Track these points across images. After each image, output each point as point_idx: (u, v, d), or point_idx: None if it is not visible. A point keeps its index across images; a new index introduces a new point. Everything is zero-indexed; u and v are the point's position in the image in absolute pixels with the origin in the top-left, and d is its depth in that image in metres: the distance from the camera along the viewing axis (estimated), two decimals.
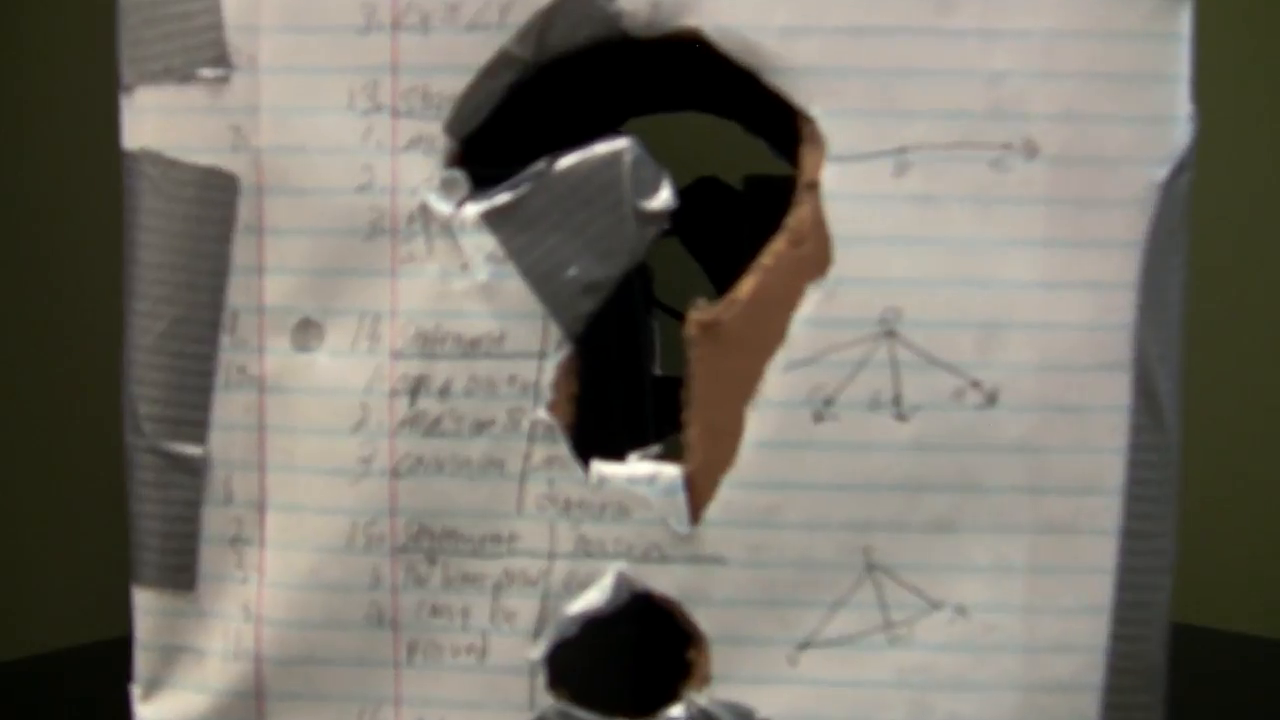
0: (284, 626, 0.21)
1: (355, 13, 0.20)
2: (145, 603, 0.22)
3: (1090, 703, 0.21)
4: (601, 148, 0.21)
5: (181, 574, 0.21)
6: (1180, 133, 0.20)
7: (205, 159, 0.21)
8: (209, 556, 0.21)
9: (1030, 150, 0.20)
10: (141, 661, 0.22)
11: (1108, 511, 0.20)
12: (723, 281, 0.24)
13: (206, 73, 0.20)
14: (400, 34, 0.20)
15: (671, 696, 0.21)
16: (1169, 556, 0.21)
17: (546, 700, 0.21)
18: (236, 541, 0.21)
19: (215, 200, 0.21)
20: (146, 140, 0.21)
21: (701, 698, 0.21)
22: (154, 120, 0.21)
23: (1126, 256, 0.20)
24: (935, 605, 0.21)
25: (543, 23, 0.20)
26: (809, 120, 0.20)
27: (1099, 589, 0.20)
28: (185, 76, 0.21)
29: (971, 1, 0.20)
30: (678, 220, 0.24)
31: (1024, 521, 0.20)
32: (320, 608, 0.21)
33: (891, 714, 0.21)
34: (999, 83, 0.20)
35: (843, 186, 0.20)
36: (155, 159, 0.21)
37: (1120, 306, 0.20)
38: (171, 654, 0.22)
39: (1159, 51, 0.20)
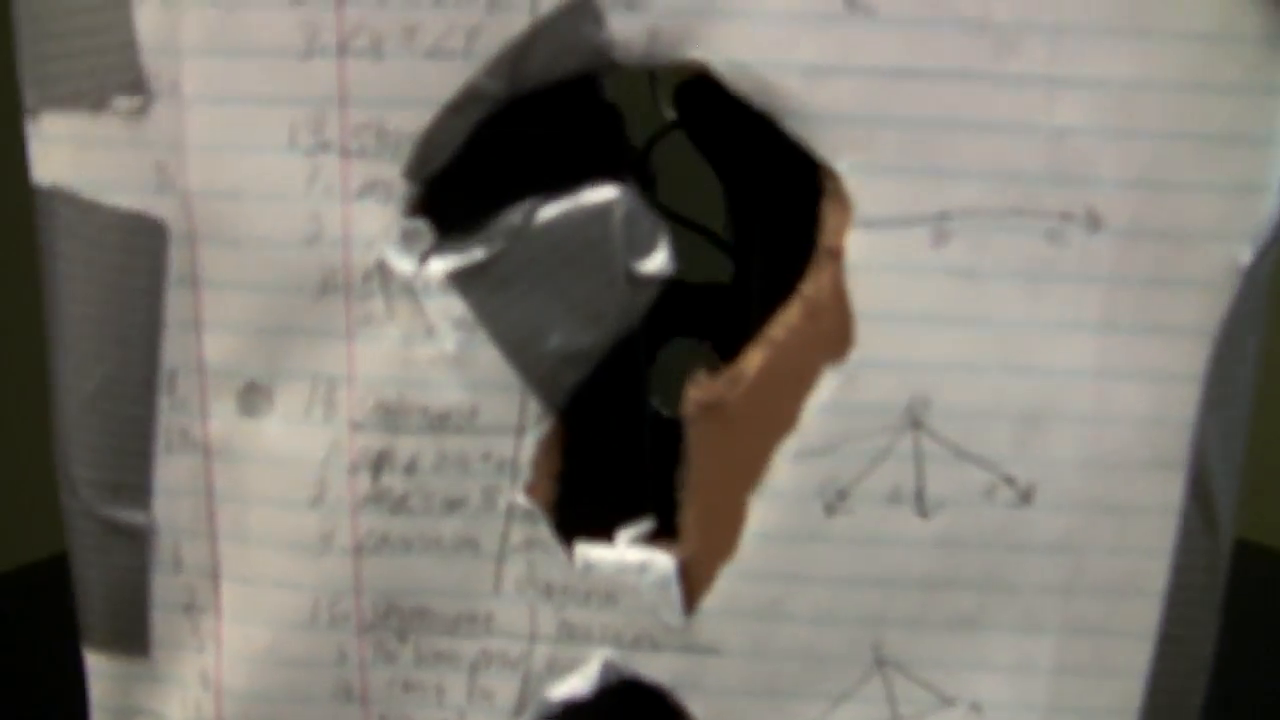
0: (245, 699, 0.20)
1: (294, 33, 0.17)
2: (97, 666, 0.20)
3: None
4: (589, 198, 0.17)
5: (133, 640, 0.20)
6: (1270, 205, 0.17)
7: (126, 201, 0.18)
8: (161, 623, 0.19)
9: (1093, 221, 0.17)
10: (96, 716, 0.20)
11: (1146, 615, 0.18)
12: (728, 179, 0.21)
13: (122, 101, 0.17)
14: (349, 60, 0.17)
15: None
16: (1206, 660, 0.19)
17: None
18: (190, 610, 0.19)
19: (141, 248, 0.18)
20: (58, 175, 0.18)
21: None
22: (66, 153, 0.18)
23: (1195, 345, 0.17)
24: (949, 702, 0.19)
25: (516, 54, 0.17)
26: (834, 175, 0.17)
27: (1128, 692, 0.19)
28: (97, 103, 0.17)
29: (1036, 43, 0.16)
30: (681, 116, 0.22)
31: (1053, 622, 0.18)
32: (283, 682, 0.19)
33: None
34: (1062, 140, 0.16)
35: (871, 255, 0.17)
36: (70, 199, 0.18)
37: (1182, 400, 0.17)
38: (128, 717, 0.20)
39: (1254, 108, 0.16)
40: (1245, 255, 0.17)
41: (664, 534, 0.19)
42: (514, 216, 0.17)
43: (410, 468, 0.18)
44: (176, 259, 0.18)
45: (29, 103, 0.18)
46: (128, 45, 0.17)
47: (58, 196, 0.18)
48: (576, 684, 0.19)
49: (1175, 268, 0.17)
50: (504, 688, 0.19)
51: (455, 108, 0.17)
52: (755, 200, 0.20)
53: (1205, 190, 0.17)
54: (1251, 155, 0.16)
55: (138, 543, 0.19)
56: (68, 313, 0.18)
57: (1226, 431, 0.17)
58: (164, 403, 0.18)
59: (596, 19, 0.16)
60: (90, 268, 0.18)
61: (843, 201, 0.17)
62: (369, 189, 0.17)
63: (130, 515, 0.19)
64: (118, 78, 0.17)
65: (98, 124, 0.17)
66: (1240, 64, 0.16)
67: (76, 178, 0.18)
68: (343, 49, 0.17)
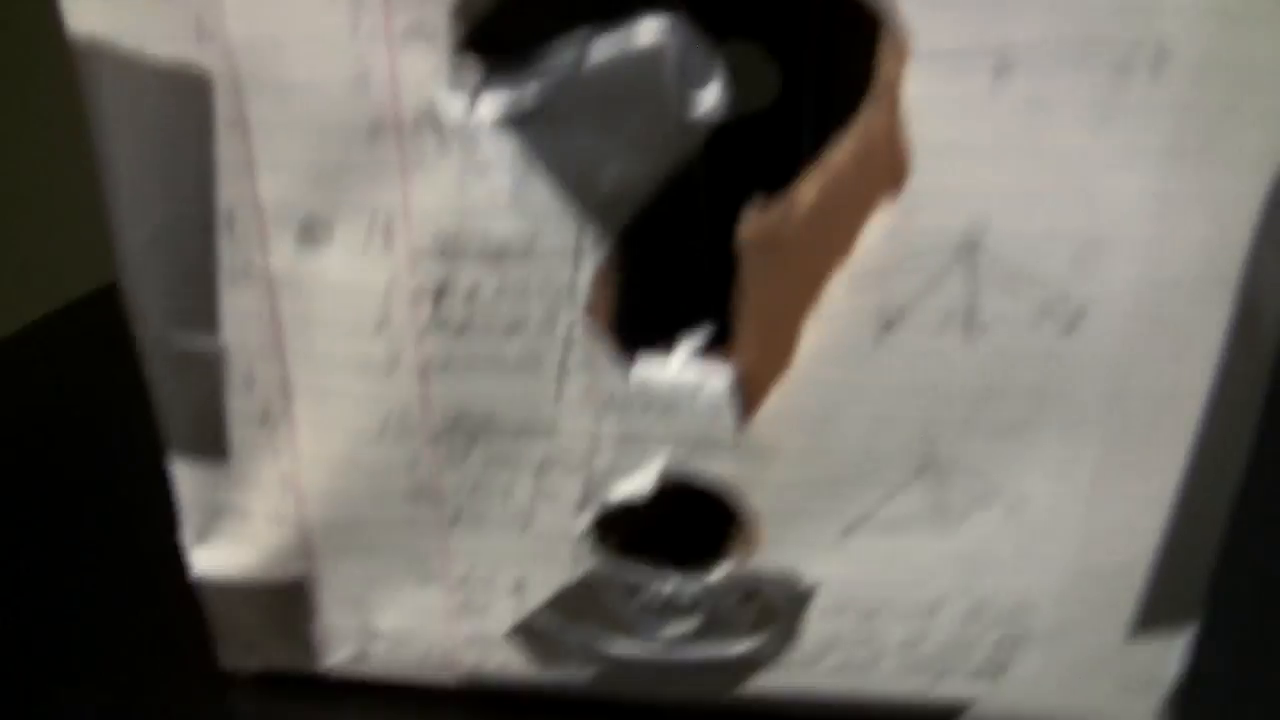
0: (324, 499, 0.21)
1: None
2: (181, 469, 0.21)
3: (1137, 582, 0.20)
4: (640, 36, 0.17)
5: (214, 447, 0.21)
6: None
7: (167, 50, 0.17)
8: (239, 434, 0.20)
9: (1162, 53, 0.16)
10: (186, 517, 0.22)
11: (1187, 420, 0.19)
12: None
13: None
14: None
15: (718, 556, 0.21)
16: (1240, 463, 0.19)
17: (592, 560, 0.21)
18: (266, 421, 0.20)
19: (187, 98, 0.17)
20: (94, 25, 0.17)
21: (751, 561, 0.21)
22: (101, 2, 0.17)
23: (1258, 174, 0.17)
24: (996, 493, 0.20)
25: None
26: (893, 5, 0.16)
27: (1166, 483, 0.19)
28: None
29: None
30: None
31: (1099, 425, 0.19)
32: (359, 485, 0.20)
33: (937, 584, 0.21)
34: None
35: (929, 90, 0.17)
36: (109, 50, 0.17)
37: (1240, 223, 0.17)
38: (215, 512, 0.21)
39: None
40: None
41: (721, 341, 0.19)
42: (565, 55, 0.17)
43: (471, 295, 0.19)
44: (223, 106, 0.18)
45: None
46: None
47: (96, 48, 0.17)
48: (637, 483, 0.20)
49: (1242, 100, 0.16)
50: (568, 487, 0.20)
51: None
52: (806, 26, 0.19)
53: (1276, 23, 0.16)
54: None
55: (211, 364, 0.20)
56: (118, 161, 0.18)
57: (1278, 256, 0.18)
58: (224, 239, 0.19)
59: None
60: (136, 119, 0.18)
61: (899, 35, 0.16)
62: (415, 31, 0.17)
63: (202, 341, 0.20)
64: None
65: None
66: None
67: (114, 29, 0.17)
68: None
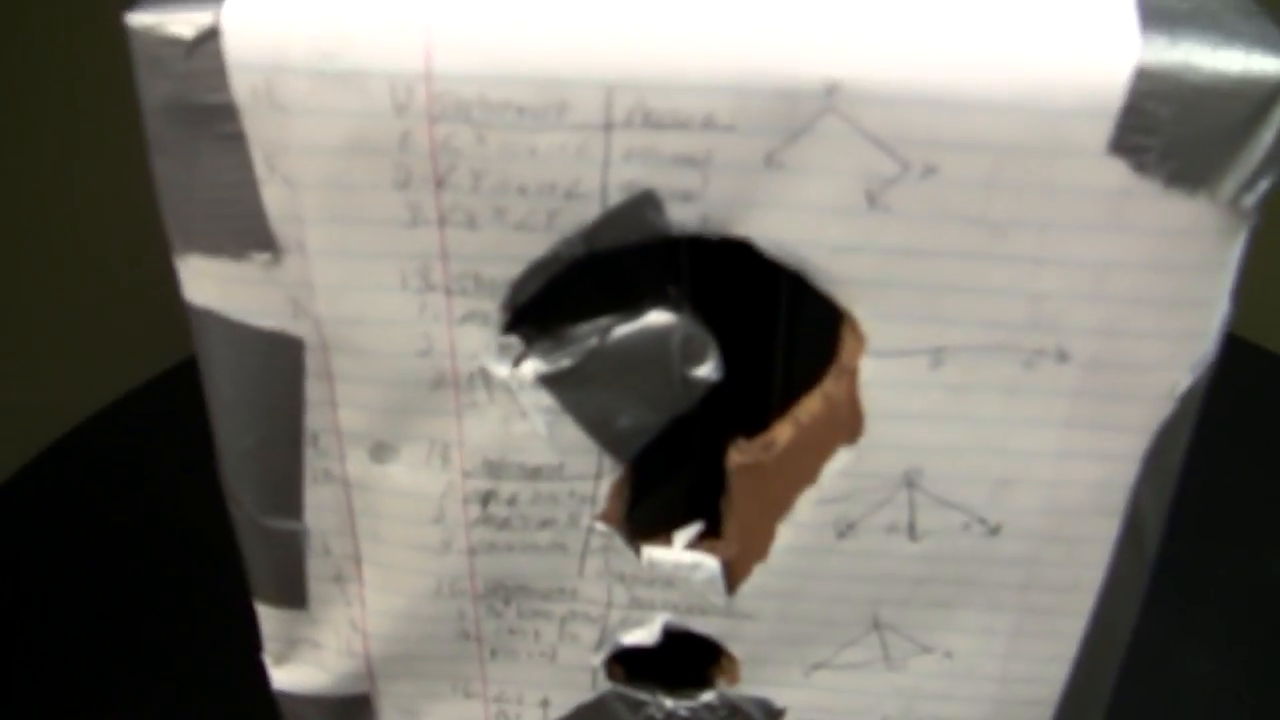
0: (386, 640, 0.25)
1: (400, 209, 0.20)
2: (265, 612, 0.26)
3: (1047, 712, 0.25)
4: (654, 320, 0.21)
5: (294, 598, 0.25)
6: (1208, 346, 0.20)
7: (269, 323, 0.21)
8: (316, 588, 0.25)
9: (1062, 356, 0.20)
10: (268, 645, 0.26)
11: (1083, 603, 0.24)
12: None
13: (257, 255, 0.21)
14: (447, 229, 0.20)
15: (704, 683, 0.26)
16: (1126, 632, 0.24)
17: (605, 684, 0.26)
18: (339, 581, 0.25)
19: (283, 355, 0.22)
20: (208, 301, 0.21)
21: (731, 691, 0.26)
22: (212, 285, 0.21)
23: (1140, 438, 0.21)
24: (928, 650, 0.24)
25: (590, 231, 0.20)
26: (852, 318, 0.20)
27: (1068, 646, 0.24)
28: (237, 255, 0.21)
29: (1026, 231, 0.19)
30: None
31: (1011, 605, 0.24)
32: (415, 629, 0.25)
33: (882, 709, 0.26)
34: (1042, 300, 0.20)
35: (879, 375, 0.21)
36: (219, 319, 0.21)
37: (1125, 473, 0.22)
38: (293, 644, 0.26)
39: (1207, 280, 0.20)
40: (1184, 383, 0.21)
41: (710, 534, 0.24)
42: (592, 333, 0.21)
43: (511, 501, 0.23)
44: (312, 361, 0.22)
45: (175, 246, 0.21)
46: (258, 214, 0.20)
47: (209, 316, 0.22)
48: (643, 635, 0.25)
49: (1127, 390, 0.21)
50: (586, 634, 0.25)
51: (539, 264, 0.20)
52: (779, 320, 0.23)
53: (1157, 338, 0.20)
54: (1198, 313, 0.20)
55: (293, 539, 0.24)
56: (223, 394, 0.23)
57: (1159, 488, 0.22)
58: (310, 453, 0.23)
59: (657, 208, 0.20)
60: (240, 368, 0.22)
61: (858, 335, 0.21)
62: (469, 317, 0.21)
63: (287, 524, 0.24)
64: (252, 238, 0.20)
65: (238, 268, 0.21)
66: (1200, 246, 0.19)
67: (224, 304, 0.21)
68: (443, 221, 0.20)
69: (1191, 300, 0.20)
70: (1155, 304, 0.20)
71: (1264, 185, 0.19)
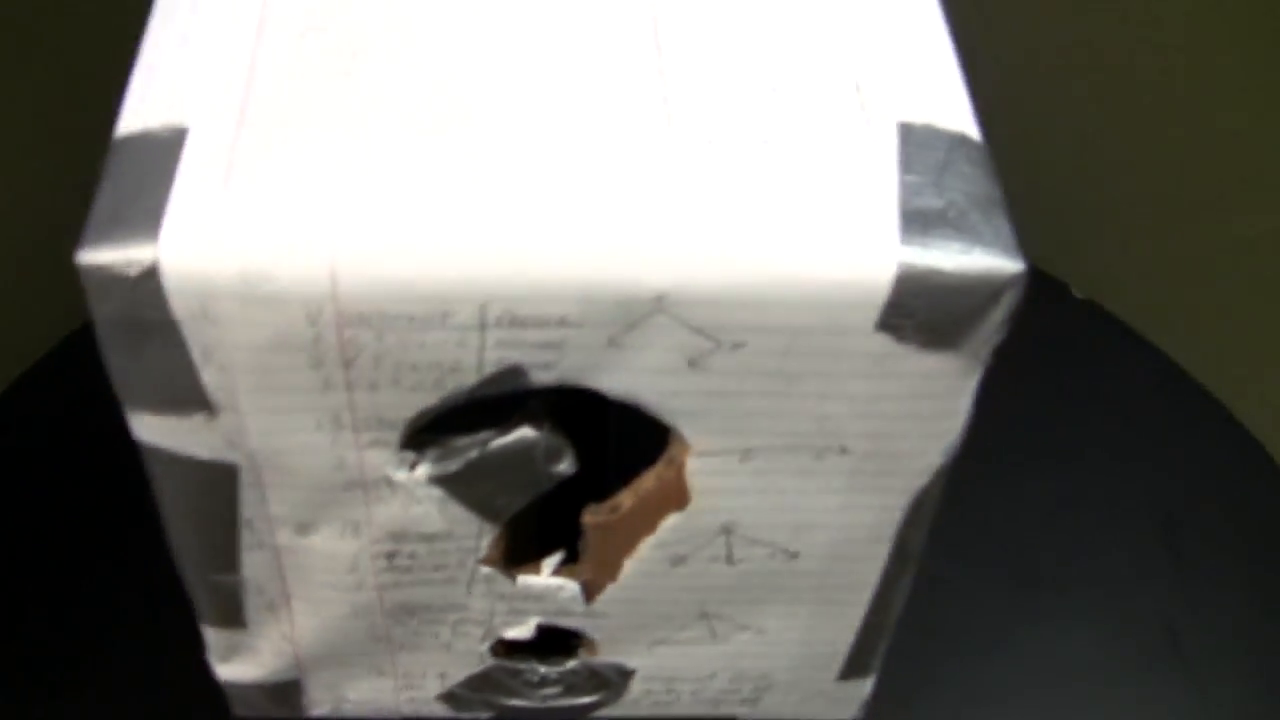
0: (312, 644, 0.31)
1: (315, 381, 0.25)
2: (209, 630, 0.31)
3: (839, 660, 0.33)
4: (523, 434, 0.26)
5: (234, 622, 0.31)
6: (956, 440, 0.26)
7: (208, 455, 0.26)
8: (253, 615, 0.30)
9: (843, 450, 0.26)
10: (212, 651, 0.32)
11: (863, 596, 0.30)
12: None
13: (197, 414, 0.25)
14: (354, 391, 0.25)
15: (567, 653, 0.32)
16: (899, 607, 0.31)
17: (490, 660, 0.32)
18: (272, 609, 0.30)
19: (221, 474, 0.26)
20: (155, 440, 0.26)
21: (591, 660, 0.32)
22: (158, 431, 0.26)
23: (903, 497, 0.28)
24: (745, 628, 0.31)
25: (470, 390, 0.25)
26: (675, 428, 0.26)
27: (852, 622, 0.31)
28: (180, 414, 0.25)
29: (813, 379, 0.25)
30: None
31: (809, 600, 0.30)
32: (337, 637, 0.31)
33: (712, 666, 0.32)
34: (825, 419, 0.26)
35: (700, 466, 0.27)
36: (165, 453, 0.26)
37: (892, 519, 0.28)
38: (234, 650, 0.32)
39: (952, 400, 0.26)
40: (937, 463, 0.27)
41: (570, 560, 0.30)
42: (473, 444, 0.26)
43: (411, 555, 0.29)
44: (246, 476, 0.27)
45: (125, 404, 0.25)
46: (197, 388, 0.25)
47: (156, 450, 0.26)
48: (520, 632, 0.31)
49: (893, 470, 0.27)
50: (475, 632, 0.31)
51: (429, 410, 0.25)
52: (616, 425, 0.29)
53: (915, 439, 0.26)
54: (946, 422, 0.26)
55: (233, 586, 0.29)
56: (169, 500, 0.27)
57: (919, 523, 0.29)
58: (245, 532, 0.28)
59: (523, 374, 0.25)
60: (185, 484, 0.27)
61: (682, 441, 0.26)
62: (374, 443, 0.26)
63: (226, 577, 0.29)
64: (192, 403, 0.25)
65: (181, 422, 0.25)
66: (945, 383, 0.25)
67: (169, 443, 0.26)
68: (350, 387, 0.25)
69: (941, 413, 0.26)
70: (913, 418, 0.26)
71: (994, 342, 0.25)
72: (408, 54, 0.26)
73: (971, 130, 0.25)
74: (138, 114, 0.25)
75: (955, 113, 0.26)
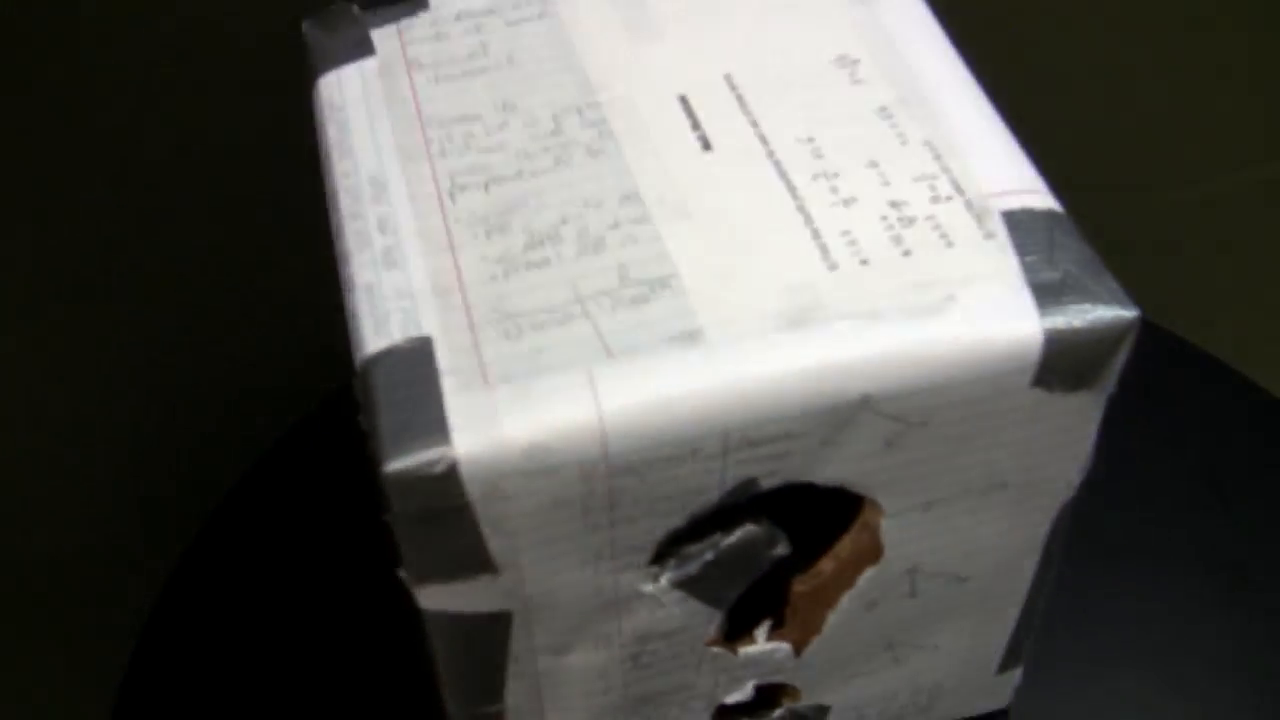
0: None
1: (583, 526, 0.29)
2: None
3: (996, 660, 0.38)
4: (747, 531, 0.31)
5: None
6: (1088, 462, 0.32)
7: (487, 608, 0.30)
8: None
9: (1004, 486, 0.32)
10: None
11: (1017, 601, 0.36)
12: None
13: (482, 576, 0.29)
14: (615, 529, 0.29)
15: (771, 705, 0.37)
16: (1043, 607, 0.36)
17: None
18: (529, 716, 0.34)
19: (497, 623, 0.31)
20: (441, 605, 0.30)
21: (793, 704, 0.37)
22: (444, 597, 0.30)
23: (1049, 513, 0.33)
24: (921, 648, 0.36)
25: (712, 508, 0.29)
26: (869, 497, 0.31)
27: (1008, 625, 0.37)
28: (466, 578, 0.29)
29: (984, 434, 0.30)
30: None
31: (975, 613, 0.36)
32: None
33: (894, 689, 0.37)
34: (991, 465, 0.31)
35: (890, 524, 0.32)
36: (449, 614, 0.30)
37: (1041, 532, 0.34)
38: None
39: (1085, 429, 0.31)
40: (1076, 482, 0.32)
41: (776, 624, 0.35)
42: (708, 548, 0.31)
43: (654, 653, 0.33)
44: (517, 620, 0.31)
45: (412, 580, 0.29)
46: (483, 553, 0.29)
47: (441, 615, 0.30)
48: (739, 695, 0.36)
49: (1042, 493, 0.32)
50: (698, 705, 0.36)
51: (675, 532, 0.30)
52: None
53: (1059, 465, 0.32)
54: (1081, 447, 0.31)
55: (496, 714, 0.34)
56: (446, 651, 0.31)
57: (1061, 531, 0.34)
58: (511, 664, 0.32)
59: (755, 485, 0.29)
60: (462, 637, 0.31)
61: (875, 505, 0.31)
62: (627, 567, 0.30)
63: (491, 708, 0.33)
64: (477, 567, 0.29)
65: (466, 585, 0.30)
66: (1081, 417, 0.31)
67: (453, 605, 0.30)
68: (612, 525, 0.29)
69: (1079, 440, 0.31)
70: (1058, 449, 0.31)
71: (1117, 378, 0.30)
72: (584, 236, 0.30)
73: (1056, 205, 0.31)
74: (378, 332, 0.29)
75: (1037, 190, 0.31)
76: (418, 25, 0.36)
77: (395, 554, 0.29)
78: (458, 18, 0.36)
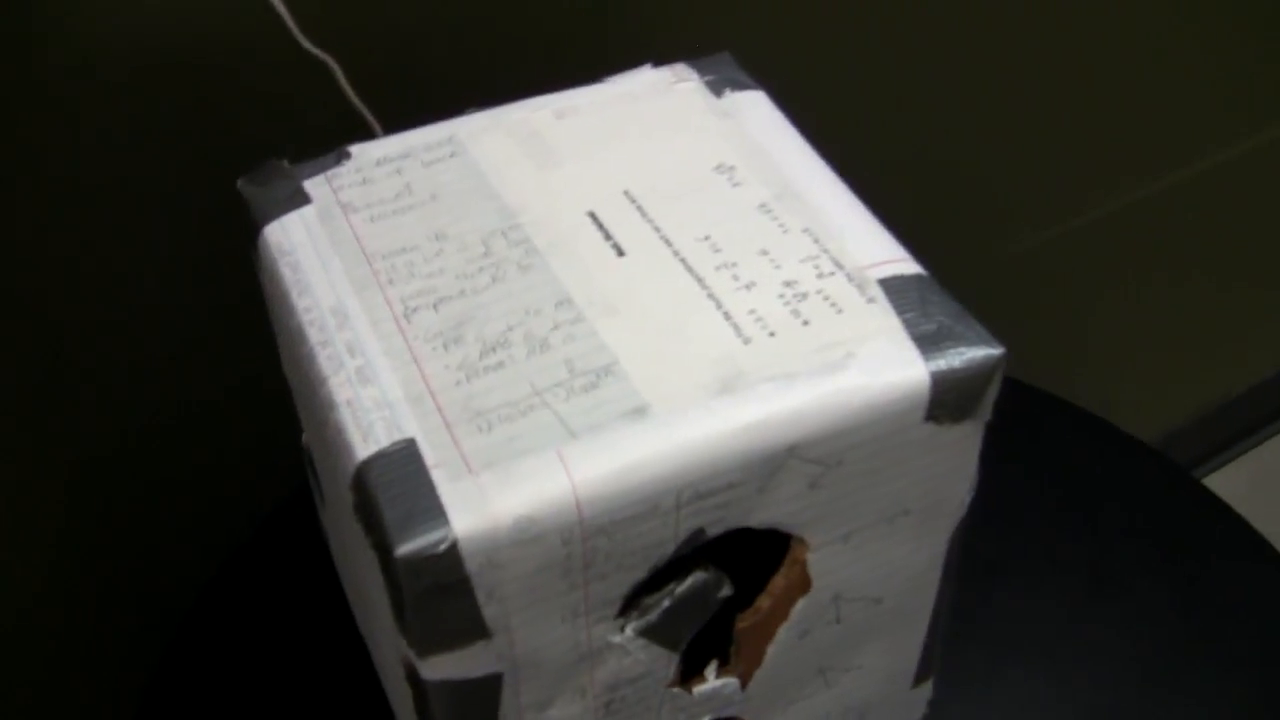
0: None
1: (565, 586, 0.33)
2: None
3: (910, 674, 0.43)
4: (697, 577, 0.36)
5: None
6: (975, 480, 0.38)
7: (480, 672, 0.34)
8: None
9: (907, 512, 0.37)
10: None
11: (926, 614, 0.41)
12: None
13: (478, 642, 0.33)
14: (590, 586, 0.34)
15: None
16: (948, 616, 0.42)
17: None
18: None
19: (490, 683, 0.35)
20: (439, 675, 0.34)
21: None
22: (446, 666, 0.34)
23: (948, 531, 0.39)
24: (849, 670, 0.41)
25: (669, 557, 0.34)
26: (800, 535, 0.36)
27: (919, 637, 0.42)
28: (464, 646, 0.33)
29: (888, 467, 0.35)
30: None
31: (891, 631, 0.41)
32: None
33: (827, 709, 0.42)
34: (897, 494, 0.36)
35: (815, 557, 0.37)
36: (449, 682, 0.34)
37: (941, 550, 0.39)
38: None
39: (970, 453, 0.37)
40: (966, 500, 0.38)
41: (724, 662, 0.39)
42: (665, 596, 0.36)
43: (623, 699, 0.37)
44: (507, 679, 0.35)
45: (415, 655, 0.33)
46: (479, 620, 0.33)
47: (441, 684, 0.34)
48: None
49: (941, 514, 0.38)
50: None
51: (639, 584, 0.34)
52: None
53: (953, 486, 0.37)
54: (968, 469, 0.37)
55: None
56: (443, 715, 0.35)
57: (957, 545, 0.39)
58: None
59: (703, 534, 0.34)
60: (456, 703, 0.35)
61: (802, 540, 0.36)
62: (599, 620, 0.35)
63: None
64: (474, 634, 0.33)
65: (464, 651, 0.33)
66: (966, 443, 0.36)
67: (451, 673, 0.34)
68: (587, 583, 0.33)
69: (966, 464, 0.37)
70: (950, 474, 0.37)
71: (989, 406, 0.36)
72: (531, 339, 0.35)
73: (921, 269, 0.37)
74: (366, 440, 0.33)
75: (904, 259, 0.37)
76: (344, 173, 0.41)
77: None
78: (378, 164, 0.41)
